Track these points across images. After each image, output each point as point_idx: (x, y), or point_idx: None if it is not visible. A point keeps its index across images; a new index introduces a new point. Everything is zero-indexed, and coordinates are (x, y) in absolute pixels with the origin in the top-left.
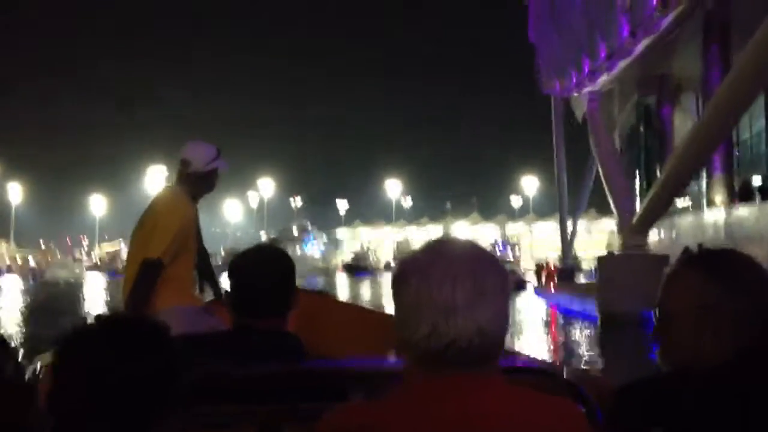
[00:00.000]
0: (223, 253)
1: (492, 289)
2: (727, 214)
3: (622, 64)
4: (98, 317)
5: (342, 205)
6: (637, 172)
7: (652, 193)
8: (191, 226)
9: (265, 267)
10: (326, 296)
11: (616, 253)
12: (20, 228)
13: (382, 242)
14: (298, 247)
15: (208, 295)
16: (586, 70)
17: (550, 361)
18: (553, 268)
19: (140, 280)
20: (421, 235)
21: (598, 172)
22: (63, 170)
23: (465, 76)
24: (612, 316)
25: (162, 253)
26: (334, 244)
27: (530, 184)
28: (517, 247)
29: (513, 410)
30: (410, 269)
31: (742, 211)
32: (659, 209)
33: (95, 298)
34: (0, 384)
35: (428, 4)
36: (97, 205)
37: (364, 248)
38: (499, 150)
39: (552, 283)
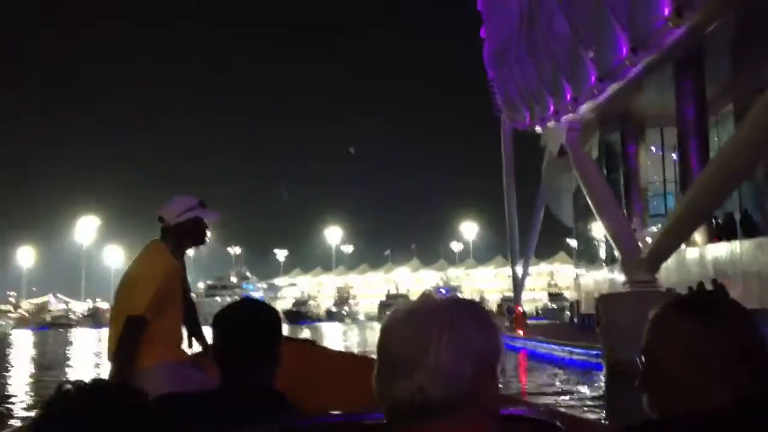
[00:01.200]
0: None
1: (469, 342)
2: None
3: (585, 106)
4: (73, 385)
5: (281, 254)
6: None
7: (668, 225)
8: (175, 280)
9: (251, 320)
10: (313, 345)
11: (621, 290)
12: None
13: (322, 290)
14: (237, 295)
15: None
16: (568, 97)
17: (552, 410)
18: (520, 311)
19: (124, 337)
20: (360, 281)
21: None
22: None
23: (408, 122)
24: (620, 365)
25: (145, 308)
26: (273, 291)
27: (470, 229)
28: (458, 292)
29: None
30: (391, 323)
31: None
32: (673, 243)
33: (21, 355)
34: None
35: (369, 42)
36: (25, 257)
37: (305, 296)
38: (439, 197)
39: (522, 328)
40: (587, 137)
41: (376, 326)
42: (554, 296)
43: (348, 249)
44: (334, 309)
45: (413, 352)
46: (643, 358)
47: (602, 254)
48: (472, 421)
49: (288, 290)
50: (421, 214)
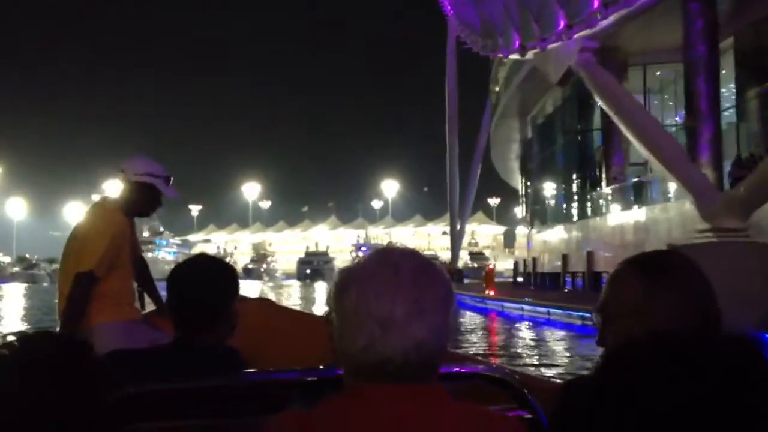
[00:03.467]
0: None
1: (433, 304)
2: None
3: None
4: (16, 335)
5: (195, 209)
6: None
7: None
8: (123, 239)
9: (206, 278)
10: (267, 302)
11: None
12: None
13: (239, 246)
14: (149, 252)
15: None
16: (562, 24)
17: (500, 366)
18: (491, 268)
19: (74, 294)
20: (277, 239)
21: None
22: None
23: (330, 75)
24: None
25: (94, 265)
26: (187, 248)
27: (390, 187)
28: None
29: (448, 422)
30: (351, 279)
31: None
32: None
33: None
34: None
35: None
36: None
37: (221, 252)
38: (358, 154)
39: (492, 288)
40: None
41: (295, 284)
42: (475, 255)
43: (265, 205)
44: (251, 266)
45: (409, 310)
46: (598, 315)
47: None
48: (432, 382)
49: (202, 247)
50: (340, 172)
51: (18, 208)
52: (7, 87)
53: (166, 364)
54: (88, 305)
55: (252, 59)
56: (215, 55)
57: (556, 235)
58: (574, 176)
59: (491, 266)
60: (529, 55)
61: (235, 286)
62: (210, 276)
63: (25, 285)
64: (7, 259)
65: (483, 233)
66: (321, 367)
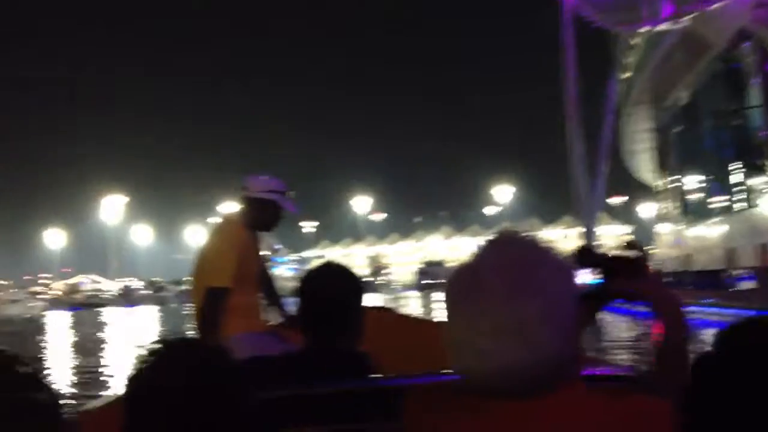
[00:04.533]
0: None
1: (557, 303)
2: None
3: None
4: (161, 342)
5: (308, 225)
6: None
7: None
8: (249, 253)
9: (336, 284)
10: (387, 311)
11: None
12: None
13: (354, 259)
14: (268, 269)
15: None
16: None
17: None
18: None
19: (206, 308)
20: (392, 251)
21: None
22: (14, 204)
23: (429, 85)
24: None
25: (224, 280)
26: (303, 264)
27: (504, 192)
28: None
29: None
30: (460, 281)
31: None
32: None
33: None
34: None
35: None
36: (54, 238)
37: None
38: (467, 161)
39: None
40: (699, 53)
41: (413, 294)
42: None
43: (378, 218)
44: (368, 279)
45: (537, 314)
46: None
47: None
48: (573, 389)
49: (317, 263)
50: (450, 180)
51: (143, 235)
52: (129, 129)
53: (301, 370)
54: (220, 318)
55: (354, 75)
56: (320, 76)
57: (713, 229)
58: (731, 163)
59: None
60: (685, 21)
61: (363, 292)
62: (340, 281)
63: (157, 307)
64: (141, 284)
65: (606, 234)
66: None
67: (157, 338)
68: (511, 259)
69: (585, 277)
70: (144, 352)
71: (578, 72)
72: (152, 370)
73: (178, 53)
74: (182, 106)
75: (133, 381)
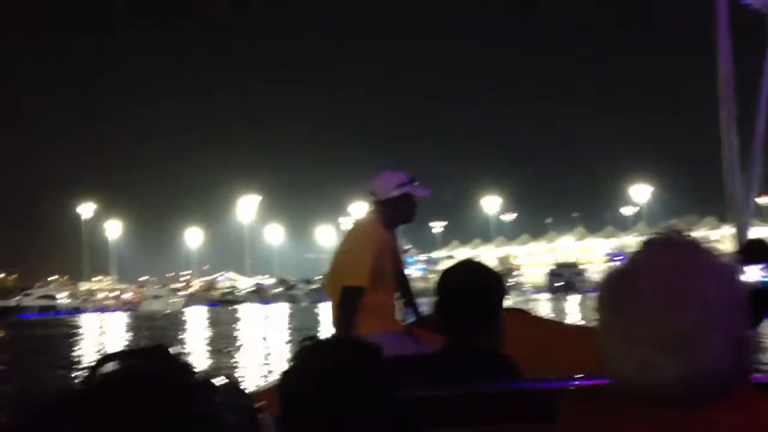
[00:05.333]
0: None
1: (720, 311)
2: None
3: None
4: (309, 339)
5: (437, 226)
6: None
7: None
8: (386, 252)
9: (477, 283)
10: (521, 312)
11: None
12: (121, 264)
13: (484, 260)
14: None
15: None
16: None
17: None
18: None
19: (342, 307)
20: (522, 252)
21: None
22: (158, 205)
23: (562, 87)
24: None
25: (360, 279)
26: (431, 265)
27: (641, 192)
28: None
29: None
30: (615, 287)
31: None
32: None
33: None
34: None
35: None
36: (193, 237)
37: None
38: (598, 160)
39: None
40: None
41: (545, 297)
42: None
43: (508, 218)
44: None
45: (699, 323)
46: None
47: None
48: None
49: (447, 263)
50: (582, 180)
51: (276, 234)
52: (263, 132)
53: (444, 369)
54: (356, 316)
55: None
56: (448, 76)
57: None
58: None
59: None
60: None
61: (504, 290)
62: (481, 280)
63: (288, 305)
64: (272, 281)
65: (758, 236)
66: (581, 375)
67: (308, 335)
68: (669, 264)
69: (754, 273)
70: (297, 348)
71: (732, 59)
72: (304, 366)
73: (326, 65)
74: (312, 110)
75: (289, 375)
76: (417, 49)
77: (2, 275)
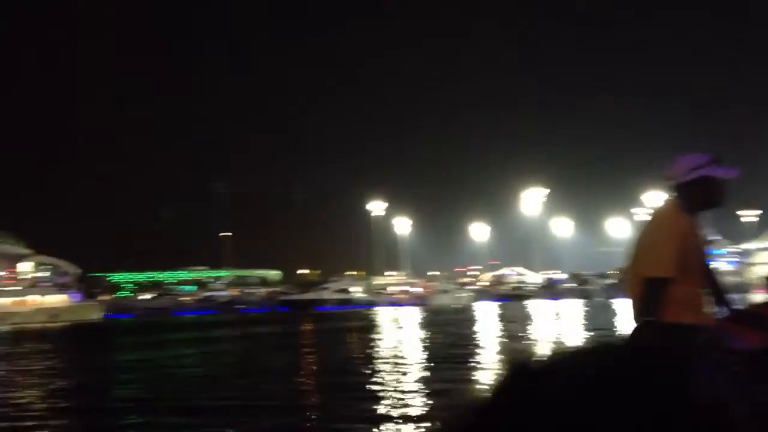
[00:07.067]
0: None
1: None
2: None
3: None
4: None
5: (750, 215)
6: None
7: None
8: (692, 241)
9: None
10: None
11: None
12: (411, 259)
13: None
14: None
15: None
16: None
17: None
18: None
19: (646, 299)
20: None
21: None
22: (443, 200)
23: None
24: None
25: (665, 270)
26: (747, 257)
27: None
28: None
29: None
30: None
31: None
32: None
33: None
34: None
35: None
36: (479, 232)
37: None
38: None
39: None
40: None
41: None
42: None
43: None
44: None
45: None
46: None
47: None
48: None
49: (763, 256)
50: None
51: (563, 227)
52: (547, 127)
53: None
54: (661, 309)
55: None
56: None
57: None
58: None
59: None
60: None
61: None
62: None
63: (581, 301)
64: (562, 276)
65: None
66: None
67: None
68: None
69: None
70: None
71: None
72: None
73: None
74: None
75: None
76: None
77: (307, 271)
